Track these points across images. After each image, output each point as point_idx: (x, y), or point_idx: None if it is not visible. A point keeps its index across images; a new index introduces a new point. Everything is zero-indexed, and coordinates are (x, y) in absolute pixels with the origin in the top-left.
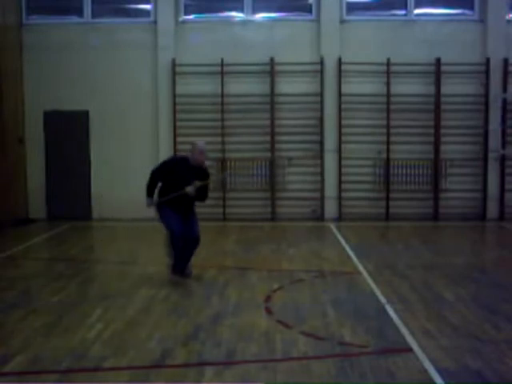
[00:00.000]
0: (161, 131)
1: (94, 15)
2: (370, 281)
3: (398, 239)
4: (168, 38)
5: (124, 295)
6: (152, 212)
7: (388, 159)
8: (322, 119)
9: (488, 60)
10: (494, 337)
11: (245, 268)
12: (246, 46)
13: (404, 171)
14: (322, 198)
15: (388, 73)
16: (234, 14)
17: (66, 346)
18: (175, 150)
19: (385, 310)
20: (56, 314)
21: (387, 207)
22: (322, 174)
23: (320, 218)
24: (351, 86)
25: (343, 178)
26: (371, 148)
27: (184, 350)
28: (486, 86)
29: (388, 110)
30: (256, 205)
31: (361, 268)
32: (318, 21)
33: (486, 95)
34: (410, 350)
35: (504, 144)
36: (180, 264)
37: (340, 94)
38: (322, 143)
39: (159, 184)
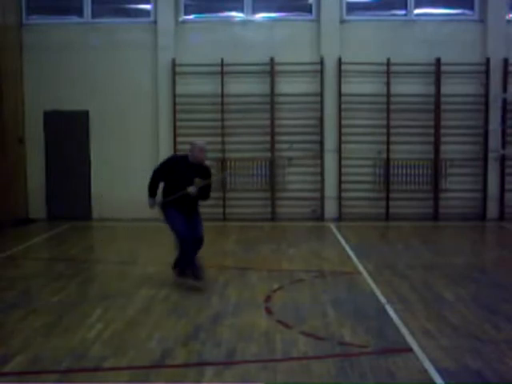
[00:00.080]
0: (161, 131)
1: (94, 15)
2: (370, 281)
3: (398, 239)
4: (168, 38)
5: (124, 295)
6: (152, 212)
7: (388, 159)
8: (322, 119)
9: (488, 60)
10: (494, 337)
11: (245, 268)
12: (246, 46)
13: (404, 171)
14: (322, 198)
15: (388, 73)
16: (234, 13)
17: (66, 345)
18: (175, 150)
19: (385, 310)
20: (56, 314)
21: (387, 207)
22: (322, 174)
23: (320, 218)
24: (351, 86)
25: (343, 178)
26: (371, 148)
27: (184, 350)
28: (486, 86)
29: (388, 110)
30: (256, 205)
31: (361, 268)
32: (318, 21)
33: (486, 95)
34: (410, 350)
35: (504, 144)
36: (188, 265)
37: (340, 94)
38: (322, 143)
39: (162, 184)
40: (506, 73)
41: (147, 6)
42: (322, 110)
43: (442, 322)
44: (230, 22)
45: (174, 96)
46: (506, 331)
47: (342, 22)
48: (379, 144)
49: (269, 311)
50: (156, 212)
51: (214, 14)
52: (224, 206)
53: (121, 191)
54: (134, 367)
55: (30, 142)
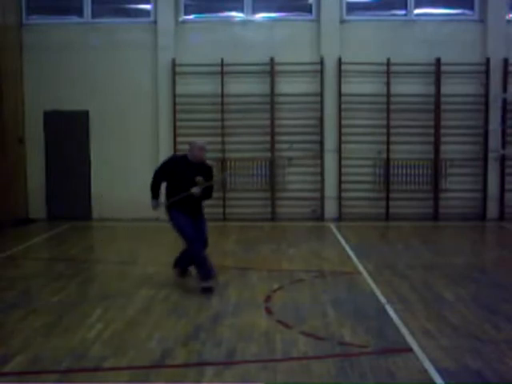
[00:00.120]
0: (161, 131)
1: (94, 15)
2: (370, 281)
3: (398, 239)
4: (168, 38)
5: (124, 295)
6: (152, 212)
7: (388, 159)
8: (322, 119)
9: (488, 60)
10: (494, 337)
11: (245, 268)
12: (246, 46)
13: (404, 171)
14: (322, 198)
15: (388, 73)
16: (234, 13)
17: (66, 345)
18: (175, 150)
19: (385, 310)
20: (56, 314)
21: (387, 207)
22: (322, 174)
23: (320, 218)
24: (351, 86)
25: (343, 178)
26: (371, 148)
27: (184, 350)
28: (486, 86)
29: (388, 110)
30: (256, 205)
31: (361, 268)
32: (318, 21)
33: (486, 95)
34: (410, 350)
35: (504, 144)
36: (209, 270)
37: (340, 94)
38: (322, 143)
39: (165, 185)
40: (506, 73)
41: (147, 6)
42: (322, 110)
43: (442, 322)
44: (230, 21)
45: (174, 96)
46: (506, 331)
47: (342, 21)
48: (379, 144)
49: (269, 311)
50: (157, 212)
51: (214, 14)
52: (224, 206)
53: (121, 191)
54: (133, 367)
55: (29, 142)
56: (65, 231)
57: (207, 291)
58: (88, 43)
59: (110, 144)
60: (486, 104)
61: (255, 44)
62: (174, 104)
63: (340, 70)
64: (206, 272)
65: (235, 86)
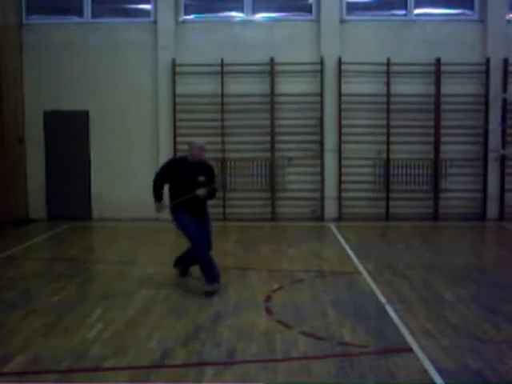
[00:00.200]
0: (161, 131)
1: (94, 15)
2: (370, 281)
3: (398, 239)
4: (168, 38)
5: (124, 295)
6: (152, 212)
7: (388, 159)
8: (322, 119)
9: (488, 60)
10: (494, 337)
11: (245, 268)
12: (246, 46)
13: (404, 171)
14: (322, 198)
15: (388, 73)
16: (234, 13)
17: (66, 345)
18: (175, 149)
19: (385, 310)
20: (56, 314)
21: (387, 207)
22: (322, 174)
23: (320, 218)
24: (351, 86)
25: (343, 178)
26: (371, 148)
27: (184, 350)
28: (486, 86)
29: (388, 110)
30: (256, 205)
31: (361, 268)
32: (318, 21)
33: (486, 95)
34: (410, 350)
35: (504, 144)
36: (213, 270)
37: (340, 94)
38: (322, 143)
39: (167, 187)
40: (506, 73)
41: (147, 6)
42: (322, 110)
43: (442, 322)
44: (230, 21)
45: (174, 96)
46: (506, 331)
47: (342, 21)
48: (379, 144)
49: (269, 311)
50: (161, 214)
51: (214, 14)
52: (224, 206)
53: (121, 191)
54: (133, 367)
55: (29, 142)
56: (65, 231)
57: (209, 295)
58: (88, 43)
59: (110, 144)
60: (486, 104)
61: (255, 44)
62: (174, 104)
63: (340, 70)
64: (211, 272)
65: (235, 86)
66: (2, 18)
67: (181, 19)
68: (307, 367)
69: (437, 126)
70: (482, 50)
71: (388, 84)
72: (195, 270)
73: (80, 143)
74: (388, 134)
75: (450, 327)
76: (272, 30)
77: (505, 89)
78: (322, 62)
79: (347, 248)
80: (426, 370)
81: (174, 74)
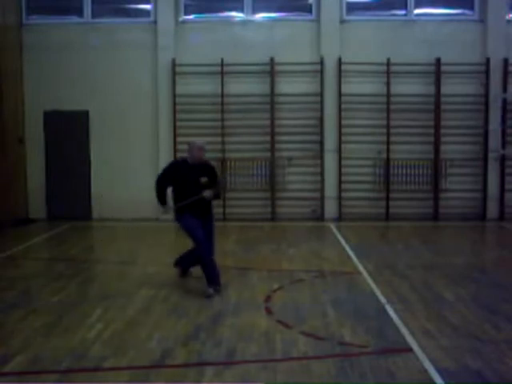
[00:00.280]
0: (161, 131)
1: (94, 15)
2: (370, 281)
3: (398, 239)
4: (168, 38)
5: (124, 295)
6: (153, 212)
7: (388, 159)
8: (322, 119)
9: (488, 60)
10: (494, 337)
11: (245, 268)
12: (246, 46)
13: (404, 171)
14: (322, 198)
15: (388, 73)
16: (234, 13)
17: (66, 345)
18: (175, 149)
19: (385, 310)
20: (56, 314)
21: (387, 207)
22: (322, 174)
23: (320, 217)
24: (351, 86)
25: (343, 178)
26: (371, 148)
27: (184, 350)
28: (486, 86)
29: (388, 110)
30: (256, 205)
31: (361, 268)
32: (318, 21)
33: (486, 95)
34: (410, 350)
35: (504, 144)
36: (215, 272)
37: (340, 94)
38: (322, 143)
39: (171, 190)
40: (506, 73)
41: (147, 6)
42: (322, 110)
43: (442, 322)
44: (230, 21)
45: (174, 96)
46: (506, 331)
47: (342, 21)
48: (379, 144)
49: (269, 311)
50: (166, 215)
51: (214, 14)
52: (224, 206)
53: (121, 191)
54: (133, 367)
55: (29, 142)
56: (65, 231)
57: (210, 297)
58: (88, 43)
59: (110, 144)
60: (486, 104)
61: (255, 44)
62: (174, 104)
63: (340, 70)
64: (212, 273)
65: (235, 86)
66: (2, 17)
67: (181, 19)
68: (307, 367)
69: (437, 126)
70: (482, 50)
71: (388, 84)
72: (195, 270)
73: (80, 143)
74: (388, 134)
75: (450, 327)
76: (272, 30)
77: (505, 89)
78: (322, 62)
79: (347, 248)
80: (426, 370)
81: (174, 74)
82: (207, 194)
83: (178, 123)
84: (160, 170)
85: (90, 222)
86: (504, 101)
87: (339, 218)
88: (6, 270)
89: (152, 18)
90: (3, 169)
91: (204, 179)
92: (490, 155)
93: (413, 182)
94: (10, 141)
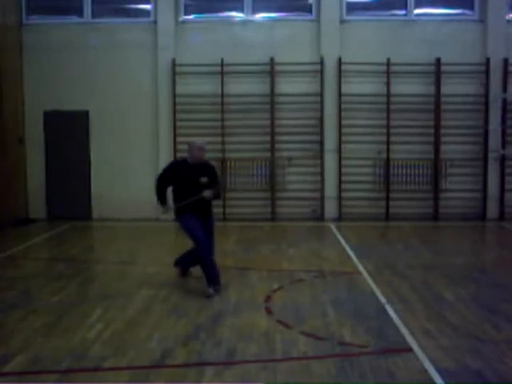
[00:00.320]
0: (161, 131)
1: (94, 15)
2: (370, 281)
3: (398, 239)
4: (168, 38)
5: (124, 295)
6: (152, 212)
7: (388, 159)
8: (322, 119)
9: (488, 60)
10: (494, 337)
11: (245, 268)
12: (246, 46)
13: (404, 171)
14: (322, 198)
15: (388, 73)
16: (234, 13)
17: (66, 345)
18: (175, 149)
19: (385, 310)
20: (56, 314)
21: (387, 207)
22: (322, 174)
23: (320, 218)
24: (351, 86)
25: (343, 178)
26: (371, 148)
27: (184, 350)
28: (486, 86)
29: (388, 110)
30: (256, 205)
31: (361, 268)
32: (318, 21)
33: (486, 95)
34: (410, 350)
35: (504, 144)
36: (215, 272)
37: (340, 94)
38: (322, 143)
39: (171, 191)
40: (506, 73)
41: (147, 6)
42: (322, 110)
43: (442, 322)
44: (230, 21)
45: (174, 96)
46: (506, 331)
47: (342, 22)
48: (379, 144)
49: (269, 311)
50: (166, 215)
51: (214, 14)
52: (224, 206)
53: (121, 191)
54: (133, 367)
55: (29, 142)
56: (65, 231)
57: (210, 297)
58: (88, 43)
59: (110, 144)
60: (486, 104)
61: (255, 44)
62: (174, 104)
63: (340, 70)
64: (212, 273)
65: (235, 86)
66: (2, 17)
67: (181, 19)
68: (307, 367)
69: (437, 126)
70: (482, 50)
71: (388, 84)
72: (195, 270)
73: (80, 143)
74: (388, 134)
75: (450, 327)
76: (272, 30)
77: (505, 89)
78: (322, 62)
79: (347, 248)
80: (426, 370)
81: (174, 74)
82: (207, 194)
83: (178, 123)
84: (160, 170)
85: (90, 221)
86: (504, 101)
87: (339, 218)
88: (6, 270)
89: (152, 18)
90: (3, 169)
91: (204, 179)
92: (490, 155)
93: (413, 182)
94: (10, 141)
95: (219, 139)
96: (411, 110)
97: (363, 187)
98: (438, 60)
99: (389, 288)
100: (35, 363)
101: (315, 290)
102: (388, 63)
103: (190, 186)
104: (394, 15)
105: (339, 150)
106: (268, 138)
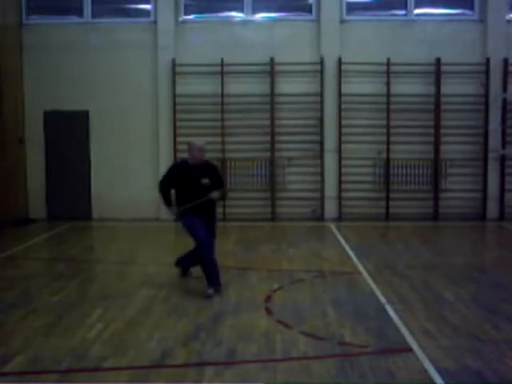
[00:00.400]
0: (161, 131)
1: (94, 15)
2: (370, 281)
3: (398, 239)
4: (168, 38)
5: (124, 295)
6: (153, 212)
7: (388, 159)
8: (322, 119)
9: (488, 60)
10: (494, 337)
11: (245, 268)
12: (246, 46)
13: (404, 171)
14: (322, 198)
15: (388, 73)
16: (234, 13)
17: (66, 345)
18: (175, 150)
19: (385, 310)
20: (56, 314)
21: (387, 207)
22: (322, 174)
23: (320, 218)
24: (351, 86)
25: (343, 178)
26: (371, 148)
27: (184, 350)
28: (486, 86)
29: (388, 110)
30: (256, 205)
31: (361, 268)
32: (318, 21)
33: (486, 95)
34: (410, 350)
35: (504, 144)
36: (216, 273)
37: (340, 94)
38: (322, 143)
39: (173, 193)
40: (506, 73)
41: (147, 6)
42: (322, 110)
43: (442, 322)
44: (230, 21)
45: (174, 96)
46: (506, 331)
47: (342, 21)
48: (379, 144)
49: (269, 311)
50: (170, 216)
51: (214, 14)
52: (224, 206)
53: (121, 191)
54: (133, 367)
55: (29, 142)
56: (65, 231)
57: (210, 297)
58: (88, 43)
59: (110, 144)
60: (486, 104)
61: (255, 44)
62: (174, 104)
63: (340, 70)
64: (212, 273)
65: (235, 86)
66: (2, 17)
67: (181, 19)
68: (307, 367)
69: (437, 126)
70: (482, 50)
71: (388, 84)
72: (195, 270)
73: (80, 143)
74: (388, 134)
75: (450, 327)
76: (272, 30)
77: (505, 89)
78: (322, 62)
79: (347, 248)
80: (426, 370)
81: (174, 74)
82: (215, 194)
83: (178, 123)
84: (161, 171)
85: (90, 222)
86: (504, 101)
87: (339, 218)
88: (6, 270)
89: (152, 18)
90: (3, 169)
91: (205, 180)
92: (490, 155)
93: (413, 182)
94: (10, 141)
95: (219, 139)
96: (411, 110)
97: (363, 187)
98: (438, 60)
99: (389, 288)
100: (35, 363)
101: (315, 290)
102: (388, 63)
103: (191, 187)
104: (394, 15)
105: (339, 150)
106: (268, 138)
